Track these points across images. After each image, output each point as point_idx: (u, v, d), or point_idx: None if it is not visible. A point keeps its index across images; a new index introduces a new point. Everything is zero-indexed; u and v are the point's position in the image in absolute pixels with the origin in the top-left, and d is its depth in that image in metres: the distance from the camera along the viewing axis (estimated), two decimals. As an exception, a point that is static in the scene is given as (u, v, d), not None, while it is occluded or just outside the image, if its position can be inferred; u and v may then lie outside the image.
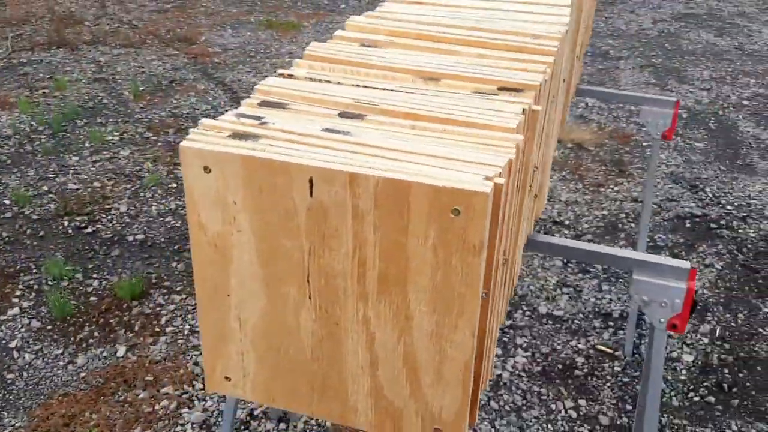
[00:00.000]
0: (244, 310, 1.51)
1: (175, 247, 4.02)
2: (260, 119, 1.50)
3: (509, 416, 3.07)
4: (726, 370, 3.39)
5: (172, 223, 4.13)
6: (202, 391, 3.22)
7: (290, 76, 1.69)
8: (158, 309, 3.62)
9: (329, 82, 1.67)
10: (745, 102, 5.41)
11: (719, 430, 3.00)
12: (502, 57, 1.83)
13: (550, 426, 3.11)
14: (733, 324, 3.59)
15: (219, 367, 1.59)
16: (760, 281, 3.83)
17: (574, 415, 3.16)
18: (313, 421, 3.05)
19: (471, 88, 1.66)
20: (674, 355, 3.42)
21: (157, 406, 3.28)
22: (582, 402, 3.22)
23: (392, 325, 1.42)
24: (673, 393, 3.14)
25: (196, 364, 3.33)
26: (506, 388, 3.05)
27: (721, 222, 4.20)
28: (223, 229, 1.45)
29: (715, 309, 3.53)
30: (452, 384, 1.44)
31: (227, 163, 1.38)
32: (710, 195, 4.37)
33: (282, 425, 3.03)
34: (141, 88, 5.38)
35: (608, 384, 3.23)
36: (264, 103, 1.58)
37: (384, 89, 1.64)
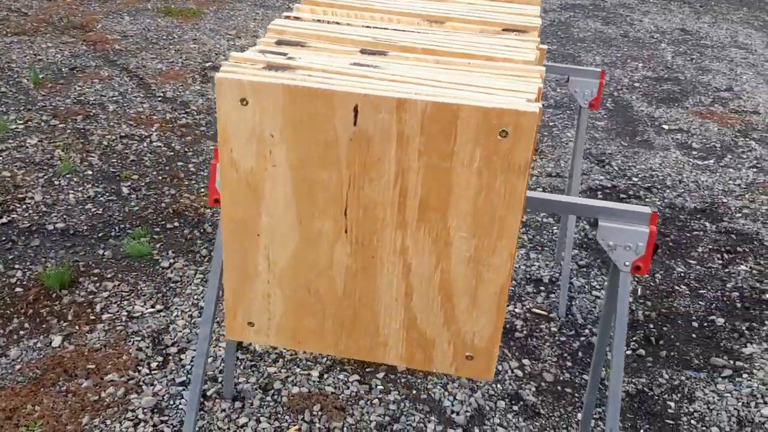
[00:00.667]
0: (274, 249, 1.48)
1: (100, 235, 3.86)
2: (285, 54, 1.48)
3: (459, 378, 3.12)
4: (651, 325, 3.58)
5: (93, 210, 3.96)
6: (149, 376, 3.10)
7: (297, 18, 1.67)
8: (91, 297, 3.46)
9: (338, 23, 1.67)
10: (636, 84, 5.75)
11: (652, 379, 3.17)
12: (487, 4, 1.88)
13: (499, 386, 3.18)
14: (652, 284, 3.80)
15: (241, 312, 1.56)
16: (670, 244, 4.08)
17: (520, 374, 3.25)
18: (269, 398, 3.00)
19: (477, 30, 1.70)
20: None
21: (103, 394, 3.15)
22: (526, 362, 3.31)
23: (430, 252, 1.44)
24: (606, 348, 3.29)
25: (140, 349, 3.20)
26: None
27: (630, 192, 4.44)
28: (257, 164, 1.43)
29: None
30: (487, 308, 1.47)
31: (267, 94, 1.36)
32: (616, 168, 4.60)
33: (237, 404, 2.97)
34: (41, 76, 5.11)
35: (547, 344, 3.36)
36: (282, 42, 1.56)
37: (395, 30, 1.66)
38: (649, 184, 4.63)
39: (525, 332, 3.50)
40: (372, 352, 1.54)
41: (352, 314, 1.51)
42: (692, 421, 2.87)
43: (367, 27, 1.64)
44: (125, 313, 3.38)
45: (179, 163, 4.30)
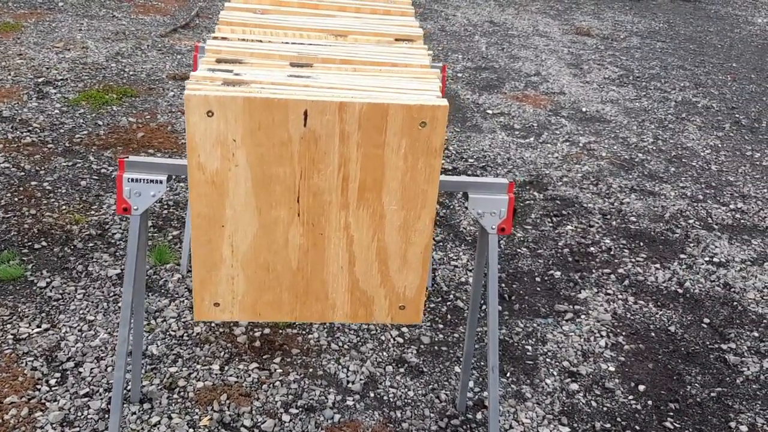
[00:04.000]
0: (237, 237, 1.80)
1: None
2: (231, 72, 1.80)
3: (350, 352, 3.50)
4: (503, 285, 4.15)
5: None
6: (51, 393, 3.16)
7: (224, 38, 1.99)
8: (-28, 321, 3.46)
9: (260, 41, 2.00)
10: (459, 74, 6.38)
11: (511, 329, 3.72)
12: (375, 18, 2.28)
13: (384, 353, 3.60)
14: (499, 248, 4.37)
15: (208, 296, 1.86)
16: (509, 215, 4.69)
17: (401, 340, 3.69)
18: (176, 395, 3.21)
19: (374, 41, 2.10)
20: (462, 280, 4.09)
21: (6, 416, 3.19)
22: (404, 329, 3.76)
23: (368, 225, 1.82)
24: (465, 307, 3.79)
25: (35, 368, 3.24)
26: (340, 330, 3.47)
27: (468, 173, 5.03)
28: (222, 165, 1.74)
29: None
30: (414, 265, 1.88)
31: (230, 106, 1.68)
32: (454, 152, 5.18)
33: (146, 405, 3.14)
34: None
35: (420, 311, 3.81)
36: (221, 60, 1.87)
37: (311, 44, 2.02)
38: (483, 164, 5.23)
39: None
40: (323, 315, 1.90)
41: (305, 285, 1.87)
42: (547, 360, 3.42)
43: (287, 43, 1.99)
44: (11, 337, 3.39)
45: (33, 183, 4.31)
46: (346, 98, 1.69)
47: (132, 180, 1.82)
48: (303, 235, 1.80)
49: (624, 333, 3.61)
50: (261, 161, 1.73)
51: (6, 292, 3.59)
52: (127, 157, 1.89)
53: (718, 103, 6.54)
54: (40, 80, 5.52)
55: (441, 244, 4.29)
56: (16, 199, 4.21)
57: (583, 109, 6.08)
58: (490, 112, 5.95)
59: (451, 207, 4.62)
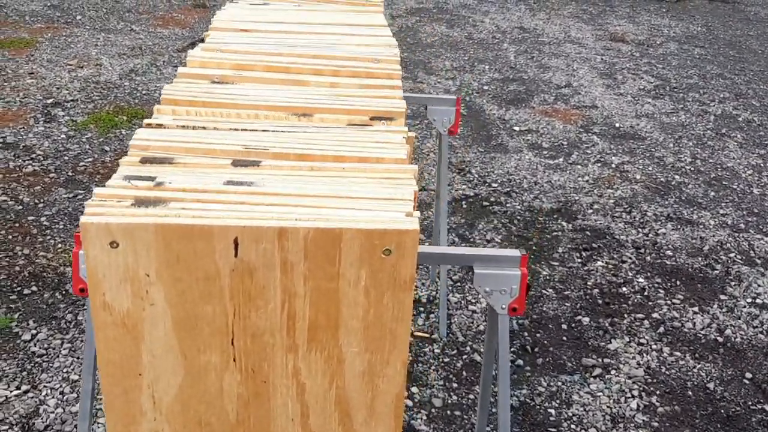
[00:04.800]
0: (158, 387, 1.39)
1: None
2: (153, 179, 1.39)
3: None
4: (526, 333, 3.69)
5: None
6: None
7: (159, 125, 1.57)
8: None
9: (204, 128, 1.58)
10: (485, 87, 5.90)
11: (533, 389, 3.28)
12: (354, 84, 1.84)
13: (390, 418, 3.17)
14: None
15: (130, 446, 1.46)
16: (534, 248, 4.22)
17: (410, 403, 3.26)
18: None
19: (345, 121, 1.66)
20: (481, 328, 3.65)
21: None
22: (414, 390, 3.33)
23: (323, 371, 1.40)
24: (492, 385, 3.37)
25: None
26: None
27: (491, 199, 4.56)
28: (133, 305, 1.33)
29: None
30: (385, 416, 1.45)
31: (139, 235, 1.27)
32: (476, 176, 4.72)
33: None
34: None
35: (433, 367, 3.40)
36: (147, 160, 1.46)
37: (265, 130, 1.59)
38: (508, 189, 4.77)
39: (410, 358, 3.52)
40: (273, 469, 1.49)
41: (249, 436, 1.45)
42: (572, 426, 2.97)
43: (235, 130, 1.56)
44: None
45: (30, 218, 4.00)
46: (288, 221, 1.27)
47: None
48: (242, 383, 1.38)
49: (658, 392, 3.14)
50: (183, 299, 1.31)
51: (-9, 349, 3.25)
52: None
53: (760, 116, 5.95)
54: (49, 101, 5.19)
55: (458, 284, 3.85)
56: (10, 236, 3.89)
57: (617, 125, 5.56)
58: (516, 129, 5.46)
59: (471, 240, 4.17)
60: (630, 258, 4.08)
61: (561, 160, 5.08)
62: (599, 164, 5.04)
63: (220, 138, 1.53)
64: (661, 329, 3.50)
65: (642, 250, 4.16)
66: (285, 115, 1.65)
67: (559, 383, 3.27)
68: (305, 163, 1.47)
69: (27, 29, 6.52)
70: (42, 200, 4.18)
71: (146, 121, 1.56)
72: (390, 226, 1.27)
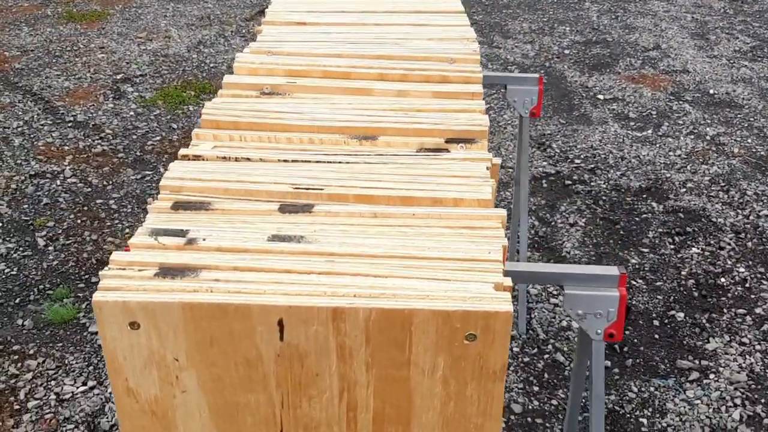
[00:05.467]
0: (198, 475, 1.15)
1: (17, 301, 3.42)
2: (185, 234, 1.12)
3: None
4: (613, 330, 3.34)
5: (7, 271, 3.50)
6: (90, 474, 2.71)
7: (197, 157, 1.30)
8: (12, 381, 3.04)
9: (249, 159, 1.30)
10: (566, 51, 5.45)
11: (622, 394, 2.96)
12: (425, 92, 1.53)
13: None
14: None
15: None
16: (621, 233, 3.85)
17: (487, 408, 2.97)
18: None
19: (415, 144, 1.36)
20: (564, 324, 3.34)
21: None
22: (491, 393, 3.03)
23: (392, 465, 1.13)
24: (567, 362, 3.06)
25: (74, 441, 2.81)
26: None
27: (574, 177, 4.19)
28: (162, 391, 1.08)
29: (589, 268, 3.48)
30: None
31: (163, 315, 1.01)
32: (558, 151, 4.34)
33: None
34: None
35: (512, 367, 3.10)
36: (179, 206, 1.19)
37: (318, 162, 1.30)
38: (592, 165, 4.38)
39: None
40: None
41: None
42: (666, 438, 2.65)
43: (285, 161, 1.27)
44: (54, 397, 2.97)
45: (98, 201, 3.85)
46: (345, 298, 0.98)
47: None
48: (295, 476, 1.12)
49: (763, 400, 2.79)
50: (220, 385, 1.05)
51: (55, 339, 3.13)
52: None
53: None
54: (118, 77, 5.01)
55: (539, 275, 3.49)
56: (79, 221, 3.75)
57: (711, 91, 5.05)
58: (601, 97, 5.02)
59: (552, 224, 3.82)
60: (729, 244, 3.67)
61: (650, 132, 4.64)
62: (692, 136, 4.58)
63: (265, 173, 1.25)
64: (766, 327, 3.12)
65: (742, 235, 3.74)
66: (344, 139, 1.36)
67: (652, 388, 2.95)
68: (366, 208, 1.18)
69: (99, 1, 6.34)
70: (110, 182, 4.03)
71: (182, 152, 1.29)
72: (474, 306, 0.98)
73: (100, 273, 1.03)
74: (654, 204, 3.98)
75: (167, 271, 1.04)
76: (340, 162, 1.29)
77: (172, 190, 1.22)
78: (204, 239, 1.11)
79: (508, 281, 1.04)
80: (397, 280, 1.03)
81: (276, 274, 1.04)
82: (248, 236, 1.12)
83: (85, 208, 3.81)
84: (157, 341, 1.03)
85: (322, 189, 1.21)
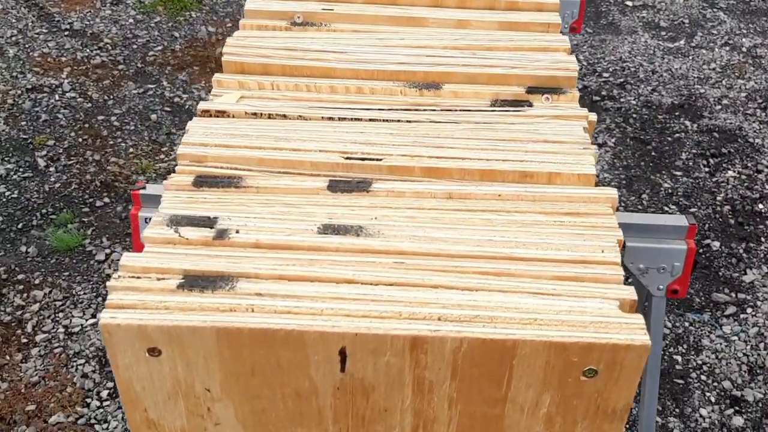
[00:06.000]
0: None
1: (20, 226, 3.17)
2: (213, 223, 0.85)
3: None
4: (645, 260, 3.11)
5: (8, 194, 3.24)
6: (101, 410, 2.54)
7: (221, 113, 1.02)
8: (19, 313, 2.83)
9: (285, 116, 1.02)
10: (592, -51, 5.02)
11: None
12: (490, 21, 1.23)
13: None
14: (639, 206, 3.33)
15: None
16: (653, 154, 3.58)
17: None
18: None
19: (488, 95, 1.07)
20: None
21: (51, 444, 2.55)
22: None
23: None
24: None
25: (85, 375, 2.63)
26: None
27: (602, 93, 3.88)
28: (191, 423, 0.84)
29: (620, 193, 3.22)
30: None
31: (192, 341, 0.76)
32: (585, 63, 4.00)
33: None
34: None
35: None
36: (203, 181, 0.92)
37: (372, 120, 1.02)
38: (621, 79, 4.04)
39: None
40: None
41: None
42: (702, 377, 2.47)
43: (330, 119, 0.99)
44: (62, 330, 2.77)
45: (99, 118, 3.54)
46: (427, 323, 0.73)
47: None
48: None
49: (804, 336, 2.58)
50: (263, 419, 0.82)
51: (61, 267, 2.91)
52: (143, 188, 1.01)
53: None
54: (117, -24, 4.58)
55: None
56: (80, 139, 3.46)
57: (747, -2, 4.65)
58: (629, 3, 4.63)
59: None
60: (767, 167, 3.41)
61: (682, 42, 4.28)
62: (727, 48, 4.22)
63: (308, 137, 0.97)
64: (807, 258, 2.88)
65: (782, 157, 3.47)
66: (400, 87, 1.07)
67: (686, 323, 2.74)
68: (438, 186, 0.91)
69: None
70: (111, 96, 3.70)
71: (202, 105, 1.00)
72: (599, 337, 0.73)
73: (108, 284, 0.78)
74: (687, 123, 3.69)
75: (194, 281, 0.78)
76: (398, 120, 1.01)
77: (192, 159, 0.94)
78: (237, 231, 0.85)
79: (632, 294, 0.78)
80: (491, 295, 0.78)
81: (334, 287, 0.78)
82: (293, 226, 0.86)
83: (86, 125, 3.52)
84: (184, 370, 0.78)
85: (380, 159, 0.94)
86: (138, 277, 0.78)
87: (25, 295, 2.87)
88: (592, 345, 0.73)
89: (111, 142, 3.43)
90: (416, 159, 0.95)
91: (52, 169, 3.32)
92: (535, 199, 0.91)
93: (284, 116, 1.01)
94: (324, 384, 0.79)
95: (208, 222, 0.87)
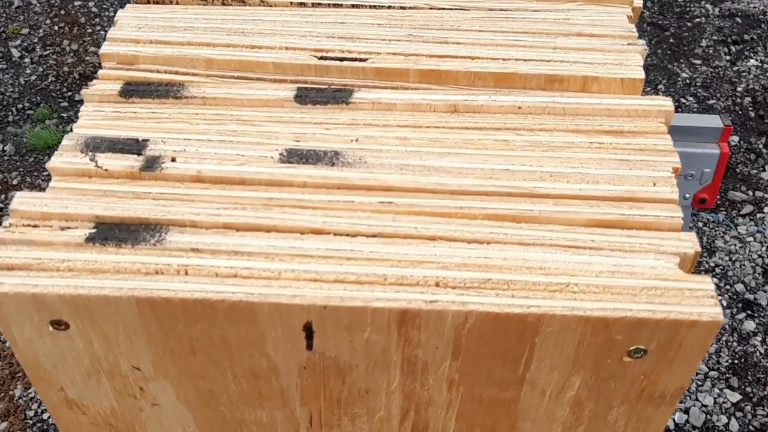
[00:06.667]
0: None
1: (-4, 116, 2.95)
2: (141, 148, 0.63)
3: None
4: (659, 156, 2.89)
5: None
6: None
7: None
8: (-1, 215, 2.63)
9: (242, 1, 0.77)
10: None
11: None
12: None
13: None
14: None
15: None
16: (671, 40, 3.29)
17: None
18: None
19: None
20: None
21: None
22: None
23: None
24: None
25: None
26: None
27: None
28: (122, 404, 0.65)
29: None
30: None
31: (106, 315, 0.55)
32: (601, -59, 3.65)
33: None
34: None
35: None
36: (133, 90, 0.69)
37: (353, 6, 0.77)
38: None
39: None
40: None
41: None
42: (714, 279, 2.31)
43: (301, 4, 0.75)
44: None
45: (76, 3, 3.25)
46: (421, 290, 0.52)
47: None
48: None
49: (823, 238, 2.43)
50: (212, 401, 0.63)
51: (41, 167, 2.71)
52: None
53: None
54: None
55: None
56: (56, 27, 3.19)
57: None
58: None
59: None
60: (793, 56, 3.14)
61: None
62: None
63: (271, 28, 0.73)
64: (829, 151, 2.68)
65: (808, 46, 3.20)
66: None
67: (699, 224, 2.56)
68: (439, 96, 0.68)
69: None
70: (88, -25, 3.39)
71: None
72: (654, 310, 0.52)
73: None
74: (709, 6, 3.38)
75: (109, 232, 0.57)
76: (389, 6, 0.76)
77: (120, 60, 0.71)
78: (173, 159, 0.63)
79: (695, 245, 0.57)
80: (507, 249, 0.56)
81: (297, 239, 0.57)
82: (247, 151, 0.64)
83: (62, 12, 3.22)
84: (102, 346, 0.58)
85: (364, 59, 0.70)
86: (35, 226, 0.57)
87: (3, 195, 2.67)
88: (644, 321, 0.53)
89: (89, 30, 3.15)
90: (412, 59, 0.71)
91: (27, 60, 3.05)
92: (565, 113, 0.68)
93: (242, 1, 0.76)
94: (286, 363, 0.59)
95: (135, 146, 0.64)
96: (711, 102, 3.03)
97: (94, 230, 0.58)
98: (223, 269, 0.56)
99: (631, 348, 0.55)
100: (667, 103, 0.69)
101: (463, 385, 0.60)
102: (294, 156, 0.64)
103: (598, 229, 0.59)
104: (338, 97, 0.69)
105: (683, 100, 3.05)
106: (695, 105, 3.03)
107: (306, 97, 0.69)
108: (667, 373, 0.57)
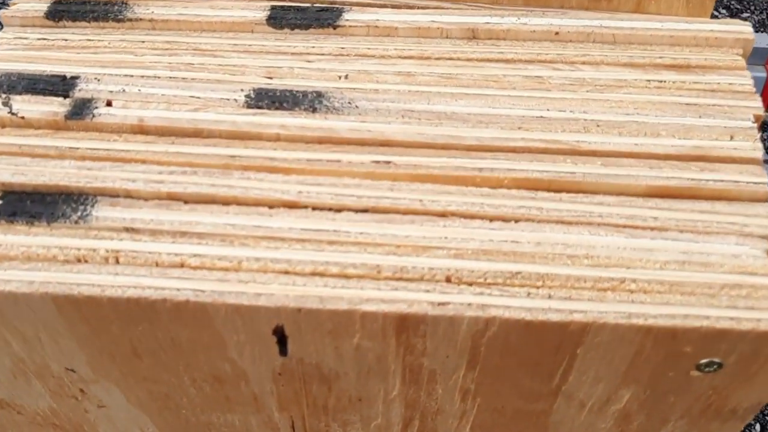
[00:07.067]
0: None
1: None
2: (69, 88, 0.48)
3: None
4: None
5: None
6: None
7: None
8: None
9: None
10: None
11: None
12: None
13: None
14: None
15: None
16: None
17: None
18: None
19: None
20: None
21: None
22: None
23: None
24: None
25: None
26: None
27: None
28: (62, 405, 0.52)
29: None
30: None
31: (18, 313, 0.42)
32: None
33: None
34: None
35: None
36: (63, 11, 0.54)
37: None
38: None
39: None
40: None
41: None
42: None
43: None
44: None
45: None
46: (426, 287, 0.38)
47: None
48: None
49: None
50: (169, 404, 0.50)
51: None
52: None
53: None
54: None
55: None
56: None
57: None
58: None
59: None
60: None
61: None
62: None
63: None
64: None
65: None
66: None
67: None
68: (453, 18, 0.52)
69: None
70: None
71: None
72: (737, 317, 0.37)
73: None
74: None
75: (20, 204, 0.43)
76: None
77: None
78: (109, 102, 0.48)
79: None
80: (541, 231, 0.42)
81: (265, 216, 0.43)
82: (204, 92, 0.48)
83: None
84: (23, 348, 0.45)
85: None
86: None
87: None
88: (725, 333, 0.38)
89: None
90: (417, -30, 0.54)
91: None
92: (616, 42, 0.52)
93: None
94: (256, 369, 0.46)
95: (61, 86, 0.49)
96: (744, 15, 2.77)
97: (1, 202, 0.43)
98: (165, 256, 0.42)
99: (703, 361, 0.41)
100: (745, 29, 0.53)
101: (481, 396, 0.47)
102: (264, 98, 0.49)
103: (660, 200, 0.44)
104: (323, 18, 0.53)
105: (716, 13, 2.80)
106: (727, 15, 2.78)
107: (282, 19, 0.53)
108: (743, 389, 0.44)
